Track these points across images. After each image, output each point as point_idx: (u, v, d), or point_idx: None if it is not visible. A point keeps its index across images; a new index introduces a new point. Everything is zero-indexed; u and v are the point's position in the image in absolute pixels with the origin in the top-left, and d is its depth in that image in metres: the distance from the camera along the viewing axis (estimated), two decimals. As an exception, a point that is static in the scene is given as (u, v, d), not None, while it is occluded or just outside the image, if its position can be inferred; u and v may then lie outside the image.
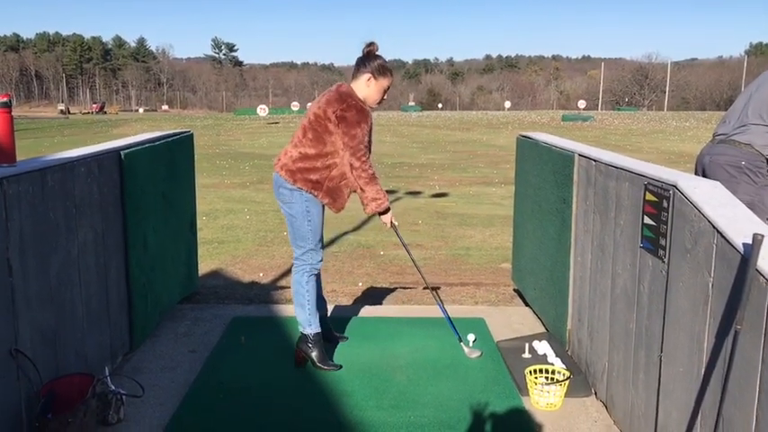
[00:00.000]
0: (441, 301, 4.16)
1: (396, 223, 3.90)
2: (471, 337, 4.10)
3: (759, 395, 1.87)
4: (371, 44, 3.74)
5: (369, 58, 3.71)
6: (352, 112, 3.58)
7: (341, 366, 3.76)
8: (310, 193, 3.66)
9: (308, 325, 3.78)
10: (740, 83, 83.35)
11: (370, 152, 3.78)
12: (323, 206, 3.78)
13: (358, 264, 6.88)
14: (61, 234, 3.05)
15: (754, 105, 3.44)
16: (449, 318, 4.08)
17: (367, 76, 3.67)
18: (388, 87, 3.77)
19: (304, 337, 3.79)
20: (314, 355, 3.77)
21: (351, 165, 3.63)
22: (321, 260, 3.83)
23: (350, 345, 4.08)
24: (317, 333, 3.80)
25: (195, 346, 4.07)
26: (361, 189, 3.69)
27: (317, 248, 3.79)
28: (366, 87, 3.69)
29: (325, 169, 3.64)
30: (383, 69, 3.69)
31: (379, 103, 3.79)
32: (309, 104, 3.74)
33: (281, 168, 3.70)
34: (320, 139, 3.62)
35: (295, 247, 3.80)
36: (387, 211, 3.78)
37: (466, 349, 3.90)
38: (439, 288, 5.61)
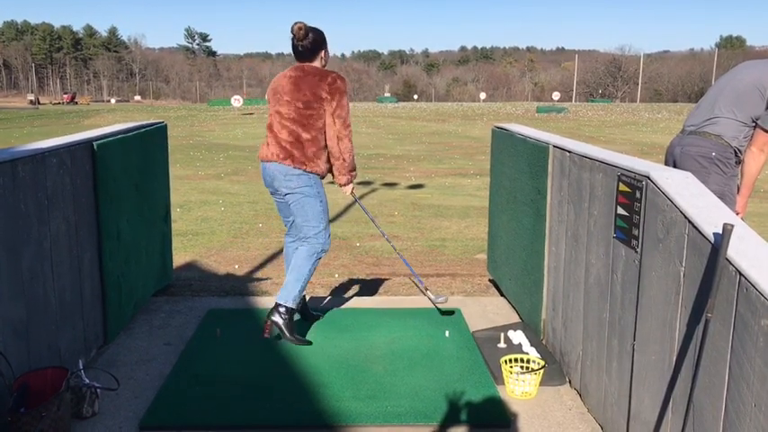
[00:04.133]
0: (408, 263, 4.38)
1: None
2: (446, 332, 4.13)
3: (728, 382, 1.91)
4: (300, 23, 3.84)
5: (314, 36, 3.86)
6: (343, 84, 3.85)
7: (310, 342, 3.90)
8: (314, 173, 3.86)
9: (293, 300, 3.87)
10: (711, 75, 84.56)
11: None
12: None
13: (334, 255, 6.87)
14: (33, 226, 3.01)
15: (724, 98, 3.50)
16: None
17: (323, 52, 3.92)
18: None
19: (280, 308, 3.85)
20: (285, 329, 3.85)
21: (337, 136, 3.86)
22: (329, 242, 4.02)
23: (327, 336, 4.08)
24: (293, 312, 3.92)
25: (170, 339, 4.05)
26: (343, 159, 3.91)
27: (328, 226, 3.97)
28: (324, 64, 3.95)
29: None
30: (326, 41, 3.93)
31: None
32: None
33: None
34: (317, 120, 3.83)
35: (308, 227, 3.92)
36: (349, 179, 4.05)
37: (432, 296, 4.09)
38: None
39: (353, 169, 3.98)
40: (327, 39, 3.94)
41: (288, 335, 3.85)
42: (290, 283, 3.89)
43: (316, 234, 3.90)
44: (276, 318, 3.85)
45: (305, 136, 3.80)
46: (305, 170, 3.81)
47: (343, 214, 9.14)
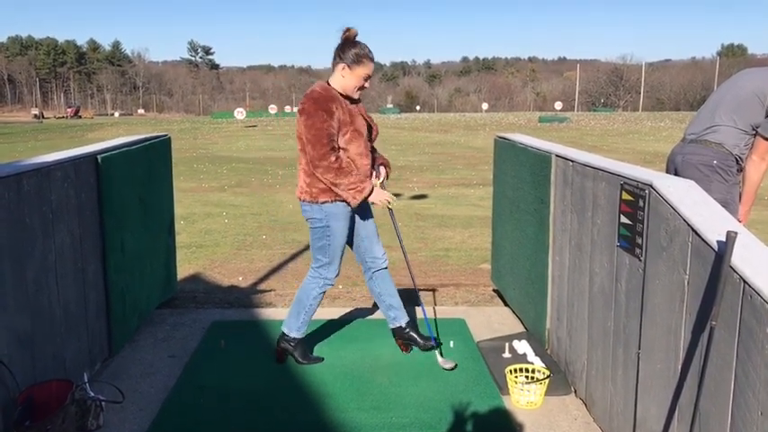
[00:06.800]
0: (423, 303, 4.11)
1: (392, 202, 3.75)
2: (450, 342, 4.12)
3: (734, 390, 1.90)
4: (348, 30, 3.57)
5: (344, 46, 3.55)
6: (309, 105, 3.47)
7: (323, 359, 3.85)
8: (326, 202, 3.57)
9: (297, 330, 3.82)
10: (713, 83, 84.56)
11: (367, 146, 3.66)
12: (349, 219, 3.69)
13: (338, 266, 6.87)
14: (38, 239, 3.02)
15: (725, 106, 3.50)
16: (428, 322, 4.05)
17: (341, 66, 3.54)
18: (369, 75, 3.60)
19: (286, 336, 3.84)
20: (296, 353, 3.83)
21: (310, 161, 3.48)
22: (335, 277, 3.81)
23: (331, 346, 4.08)
24: (301, 338, 3.86)
25: (175, 351, 4.05)
26: (333, 184, 3.51)
27: (334, 263, 3.75)
28: (342, 78, 3.56)
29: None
30: (358, 58, 3.52)
31: (360, 89, 3.62)
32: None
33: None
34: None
35: (314, 259, 3.77)
36: (371, 193, 3.60)
37: (440, 359, 3.80)
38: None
39: (353, 188, 3.51)
40: (355, 57, 3.52)
41: (299, 359, 3.83)
42: (292, 315, 3.83)
43: (318, 267, 3.75)
44: (284, 345, 3.86)
45: (302, 164, 3.61)
46: (303, 200, 3.62)
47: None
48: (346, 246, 3.80)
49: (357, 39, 3.59)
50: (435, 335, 4.04)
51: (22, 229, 2.87)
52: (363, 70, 3.55)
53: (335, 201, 3.56)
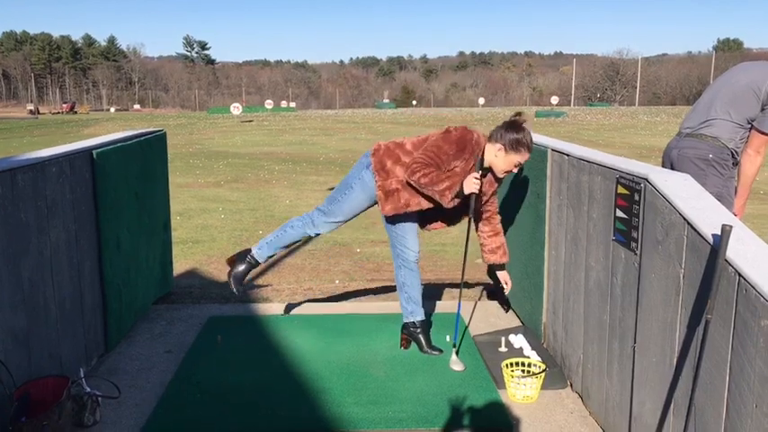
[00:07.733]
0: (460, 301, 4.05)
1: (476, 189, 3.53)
2: (447, 337, 4.12)
3: (729, 383, 1.91)
4: (519, 114, 3.56)
5: (508, 128, 3.51)
6: (456, 134, 3.54)
7: (244, 290, 4.23)
8: (374, 175, 3.66)
9: (258, 247, 4.07)
10: (709, 78, 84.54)
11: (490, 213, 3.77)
12: (373, 201, 3.78)
13: (334, 261, 6.88)
14: (33, 235, 3.01)
15: (721, 100, 3.50)
16: (458, 319, 3.96)
17: (498, 146, 3.50)
18: (521, 164, 3.56)
19: (252, 247, 4.10)
20: (237, 267, 4.06)
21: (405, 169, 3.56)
22: (319, 232, 3.97)
23: (327, 342, 4.08)
24: (261, 257, 4.07)
25: (171, 347, 4.04)
26: (420, 185, 3.52)
27: (329, 218, 3.89)
28: (494, 156, 3.54)
29: (403, 167, 3.61)
30: (517, 145, 3.47)
31: (506, 172, 3.60)
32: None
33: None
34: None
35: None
36: (461, 190, 3.51)
37: (453, 357, 3.76)
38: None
39: (436, 188, 3.48)
40: (515, 143, 3.47)
41: (233, 272, 4.06)
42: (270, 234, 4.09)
43: (318, 208, 3.93)
44: (244, 254, 4.09)
45: (402, 141, 3.74)
46: (368, 151, 3.75)
47: (342, 220, 9.12)
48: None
49: (524, 125, 3.53)
50: (459, 336, 3.95)
51: (16, 226, 2.87)
52: (518, 158, 3.52)
53: (376, 179, 3.67)
